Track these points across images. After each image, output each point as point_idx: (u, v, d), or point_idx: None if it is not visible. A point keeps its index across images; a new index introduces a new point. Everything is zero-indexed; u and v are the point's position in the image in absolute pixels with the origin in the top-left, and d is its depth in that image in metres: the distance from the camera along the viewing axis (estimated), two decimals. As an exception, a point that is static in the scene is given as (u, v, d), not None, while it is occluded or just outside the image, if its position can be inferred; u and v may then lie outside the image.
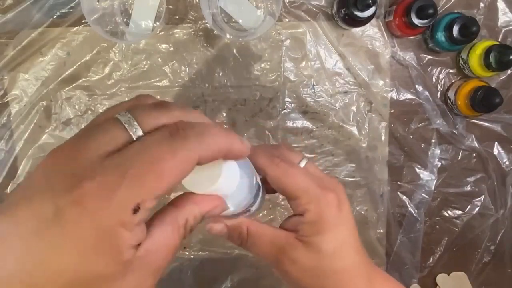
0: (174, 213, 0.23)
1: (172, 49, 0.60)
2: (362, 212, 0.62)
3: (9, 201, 0.19)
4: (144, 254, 0.20)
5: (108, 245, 0.19)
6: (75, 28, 0.59)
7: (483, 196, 0.62)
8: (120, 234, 0.19)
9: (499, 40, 0.58)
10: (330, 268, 0.31)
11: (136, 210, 0.19)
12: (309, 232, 0.31)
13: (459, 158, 0.61)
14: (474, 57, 0.55)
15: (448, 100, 0.59)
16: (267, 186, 0.33)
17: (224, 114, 0.61)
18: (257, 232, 0.32)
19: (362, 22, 0.54)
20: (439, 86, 0.60)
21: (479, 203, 0.62)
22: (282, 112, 0.61)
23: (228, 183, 0.25)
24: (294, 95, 0.60)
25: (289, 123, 0.61)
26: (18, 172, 0.62)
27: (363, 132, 0.61)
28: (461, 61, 0.58)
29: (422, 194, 0.61)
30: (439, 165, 0.61)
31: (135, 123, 0.20)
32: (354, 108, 0.61)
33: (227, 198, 0.26)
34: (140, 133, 0.20)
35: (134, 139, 0.20)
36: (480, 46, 0.55)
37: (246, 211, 0.30)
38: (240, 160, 0.25)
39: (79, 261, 0.18)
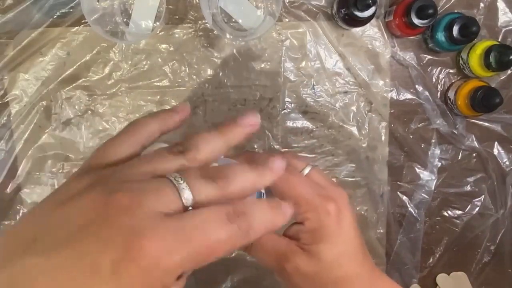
0: None
1: (172, 49, 0.60)
2: (362, 212, 0.62)
3: (52, 238, 0.18)
4: None
5: None
6: (75, 28, 0.59)
7: (483, 196, 0.62)
8: None
9: (499, 40, 0.58)
10: (329, 277, 0.31)
11: (179, 278, 0.20)
12: (309, 241, 0.31)
13: (459, 158, 0.61)
14: (474, 57, 0.55)
15: (448, 100, 0.59)
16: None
17: (224, 114, 0.61)
18: (262, 238, 0.32)
19: (362, 22, 0.54)
20: (439, 86, 0.60)
21: (479, 203, 0.62)
22: (282, 112, 0.61)
23: None
24: (294, 95, 0.60)
25: (289, 123, 0.61)
26: (18, 172, 0.62)
27: (363, 132, 0.61)
28: (461, 61, 0.58)
29: (422, 194, 0.61)
30: (439, 165, 0.61)
31: (189, 192, 0.21)
32: (354, 108, 0.61)
33: None
34: (190, 201, 0.21)
35: (187, 207, 0.21)
36: (480, 46, 0.55)
37: None
38: None
39: None
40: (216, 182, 0.22)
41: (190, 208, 0.20)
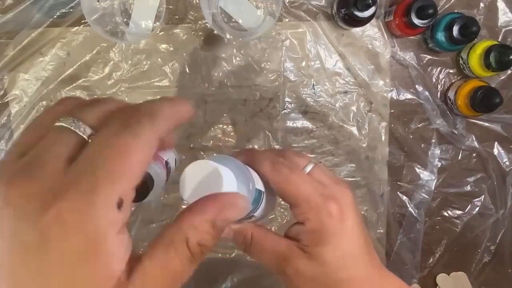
0: (169, 231, 0.21)
1: (172, 49, 0.60)
2: (362, 212, 0.62)
3: None
4: (138, 283, 0.19)
5: (97, 257, 0.18)
6: (75, 28, 0.59)
7: (483, 196, 0.62)
8: (110, 239, 0.18)
9: (499, 40, 0.58)
10: (332, 279, 0.30)
11: (120, 205, 0.18)
12: (310, 242, 0.30)
13: (459, 158, 0.61)
14: (474, 57, 0.55)
15: (448, 100, 0.59)
16: None
17: (224, 114, 0.61)
18: (261, 239, 0.31)
19: (362, 22, 0.54)
20: (439, 86, 0.60)
21: (479, 203, 0.62)
22: (282, 112, 0.61)
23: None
24: (294, 95, 0.60)
25: (289, 123, 0.61)
26: (18, 172, 0.62)
27: (363, 132, 0.61)
28: (461, 61, 0.58)
29: (422, 194, 0.61)
30: (439, 165, 0.61)
31: (81, 123, 0.20)
32: (354, 108, 0.61)
33: None
34: (89, 131, 0.20)
35: (87, 138, 0.20)
36: (480, 46, 0.55)
37: (248, 217, 0.30)
38: (234, 169, 0.25)
39: (66, 285, 0.17)
40: (99, 103, 0.21)
41: (87, 135, 0.20)
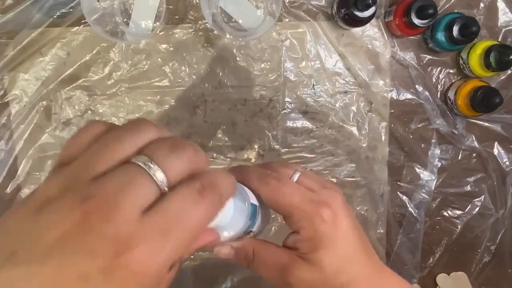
0: None
1: (172, 49, 0.60)
2: (362, 212, 0.62)
3: (31, 250, 0.17)
4: None
5: None
6: (75, 28, 0.59)
7: (483, 196, 0.62)
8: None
9: (499, 40, 0.58)
10: (332, 284, 0.30)
11: (171, 267, 0.20)
12: (307, 249, 0.30)
13: (459, 158, 0.61)
14: (474, 57, 0.55)
15: (448, 100, 0.59)
16: None
17: (224, 114, 0.61)
18: (262, 253, 0.32)
19: (362, 22, 0.54)
20: (439, 86, 0.60)
21: (479, 203, 0.62)
22: (282, 112, 0.61)
23: (223, 216, 0.25)
24: (294, 95, 0.60)
25: (289, 123, 0.61)
26: (18, 172, 0.62)
27: (363, 132, 0.61)
28: (461, 61, 0.58)
29: (422, 194, 0.61)
30: (439, 165, 0.61)
31: (162, 174, 0.20)
32: (354, 108, 0.61)
33: (224, 228, 0.27)
34: (166, 186, 0.20)
35: (165, 191, 0.20)
36: (480, 46, 0.55)
37: (247, 233, 0.31)
38: None
39: None
40: (181, 154, 0.21)
41: (166, 189, 0.20)
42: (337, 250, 0.30)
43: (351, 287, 0.30)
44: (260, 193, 0.31)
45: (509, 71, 0.60)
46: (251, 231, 0.31)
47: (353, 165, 0.62)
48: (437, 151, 0.61)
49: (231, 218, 0.26)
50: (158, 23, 0.58)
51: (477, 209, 0.62)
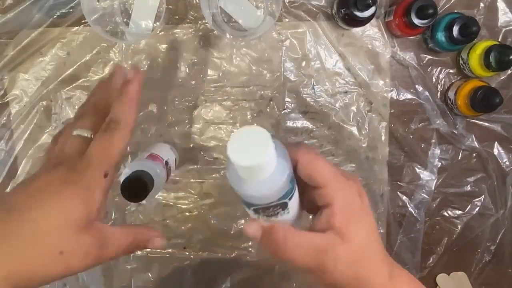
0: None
1: (172, 49, 0.60)
2: (362, 212, 0.62)
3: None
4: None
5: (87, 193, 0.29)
6: (75, 28, 0.59)
7: (483, 196, 0.62)
8: (98, 190, 0.30)
9: (499, 40, 0.58)
10: (363, 257, 0.32)
11: (106, 175, 0.30)
12: (342, 222, 0.31)
13: (459, 158, 0.61)
14: (474, 57, 0.55)
15: (448, 100, 0.59)
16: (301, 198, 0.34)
17: (224, 114, 0.61)
18: (296, 236, 0.31)
19: (362, 22, 0.54)
20: (439, 86, 0.60)
21: (479, 203, 0.62)
22: (282, 112, 0.61)
23: (270, 160, 0.26)
24: (294, 95, 0.60)
25: (289, 123, 0.61)
26: (18, 172, 0.62)
27: (363, 132, 0.61)
28: (461, 61, 0.58)
29: (422, 194, 0.61)
30: (439, 165, 0.61)
31: (85, 130, 0.33)
32: (354, 108, 0.61)
33: (265, 181, 0.27)
34: (90, 133, 0.33)
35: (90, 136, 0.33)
36: (480, 46, 0.55)
37: (283, 206, 0.31)
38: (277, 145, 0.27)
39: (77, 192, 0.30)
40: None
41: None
42: (366, 223, 0.32)
43: (375, 259, 0.32)
44: (299, 159, 0.32)
45: (509, 71, 0.60)
46: (287, 206, 0.31)
47: (353, 165, 0.62)
48: (437, 151, 0.61)
49: (275, 168, 0.27)
50: (158, 23, 0.58)
51: (477, 209, 0.62)
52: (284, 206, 0.31)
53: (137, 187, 0.45)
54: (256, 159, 0.25)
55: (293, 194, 0.31)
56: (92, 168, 0.30)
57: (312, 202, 0.34)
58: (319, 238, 0.31)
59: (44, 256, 0.27)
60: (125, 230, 0.32)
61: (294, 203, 0.32)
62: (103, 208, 0.31)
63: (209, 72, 0.60)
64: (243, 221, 0.62)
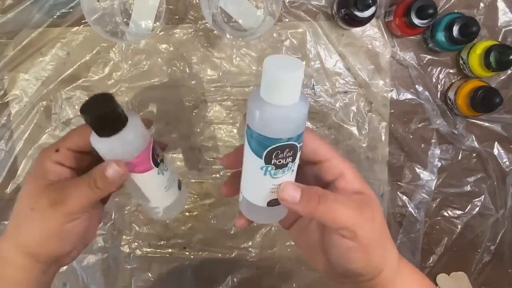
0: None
1: (172, 49, 0.60)
2: (362, 212, 0.62)
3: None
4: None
5: (39, 168, 0.38)
6: (75, 28, 0.59)
7: (483, 196, 0.62)
8: (46, 160, 0.38)
9: (499, 40, 0.58)
10: (384, 227, 0.34)
11: (57, 150, 0.37)
12: (363, 184, 0.34)
13: (459, 158, 0.61)
14: (474, 57, 0.55)
15: (448, 100, 0.59)
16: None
17: (224, 114, 0.61)
18: (335, 196, 0.32)
19: (362, 22, 0.54)
20: (439, 86, 0.60)
21: (479, 203, 0.62)
22: (282, 112, 0.60)
23: (300, 82, 0.29)
24: (294, 95, 0.60)
25: (289, 123, 0.61)
26: (18, 172, 0.62)
27: (363, 132, 0.61)
28: (461, 61, 0.58)
29: (422, 194, 0.61)
30: (439, 165, 0.61)
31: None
32: (354, 108, 0.61)
33: (293, 106, 0.29)
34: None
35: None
36: (480, 46, 0.55)
37: (294, 152, 0.31)
38: None
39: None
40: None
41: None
42: (375, 195, 0.34)
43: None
44: (304, 134, 0.32)
45: (509, 71, 0.60)
46: (296, 155, 0.31)
47: (353, 165, 0.61)
48: (437, 151, 0.61)
49: (300, 94, 0.29)
50: (158, 23, 0.58)
51: (477, 209, 0.62)
52: (295, 154, 0.31)
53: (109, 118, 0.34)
54: (295, 71, 0.27)
55: (299, 151, 0.32)
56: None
57: (313, 181, 0.35)
58: (355, 197, 0.33)
59: (26, 217, 0.36)
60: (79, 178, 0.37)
61: (297, 163, 0.32)
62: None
63: (209, 72, 0.60)
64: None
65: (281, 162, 0.31)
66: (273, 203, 0.33)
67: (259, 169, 0.31)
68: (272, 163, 0.31)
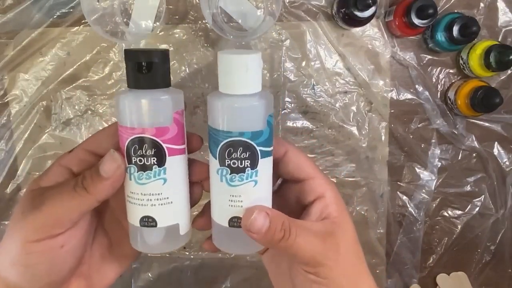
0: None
1: (172, 49, 0.60)
2: (362, 212, 0.62)
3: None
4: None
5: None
6: (75, 28, 0.59)
7: (483, 196, 0.62)
8: (55, 162, 0.31)
9: (499, 40, 0.58)
10: (358, 250, 0.32)
11: (71, 151, 0.32)
12: (338, 211, 0.31)
13: (459, 158, 0.61)
14: (474, 57, 0.55)
15: (448, 100, 0.59)
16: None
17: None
18: (299, 224, 0.30)
19: (362, 22, 0.54)
20: (439, 86, 0.60)
21: (479, 203, 0.62)
22: (282, 112, 0.61)
23: (258, 69, 0.30)
24: (294, 95, 0.60)
25: (289, 123, 0.61)
26: (18, 172, 0.62)
27: (363, 132, 0.61)
28: (461, 61, 0.58)
29: (422, 194, 0.61)
30: (439, 165, 0.61)
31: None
32: (354, 108, 0.61)
33: (250, 97, 0.29)
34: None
35: None
36: (480, 46, 0.55)
37: (252, 154, 0.29)
38: None
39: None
40: None
41: None
42: (351, 220, 0.33)
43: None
44: (289, 149, 0.32)
45: (509, 71, 0.60)
46: (256, 162, 0.29)
47: (353, 165, 0.62)
48: (437, 151, 0.61)
49: (259, 84, 0.29)
50: (158, 23, 0.58)
51: (477, 209, 0.62)
52: (253, 159, 0.29)
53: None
54: (250, 56, 0.27)
55: (260, 157, 0.29)
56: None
57: (294, 202, 0.33)
58: (321, 225, 0.31)
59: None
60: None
61: (264, 178, 0.30)
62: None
63: (209, 72, 0.60)
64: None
65: (236, 164, 0.29)
66: (235, 223, 0.30)
67: (216, 173, 0.30)
68: (226, 164, 0.29)
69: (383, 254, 0.63)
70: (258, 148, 0.29)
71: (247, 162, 0.29)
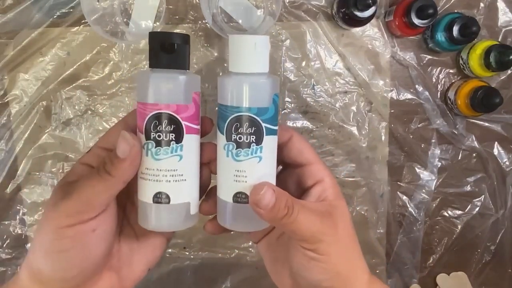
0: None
1: (172, 49, 0.59)
2: (362, 212, 0.62)
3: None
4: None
5: None
6: (75, 28, 0.59)
7: (483, 196, 0.62)
8: (76, 163, 0.33)
9: (499, 40, 0.58)
10: (353, 236, 0.33)
11: (88, 151, 0.33)
12: (335, 195, 0.33)
13: (459, 158, 0.61)
14: (474, 57, 0.55)
15: (448, 100, 0.59)
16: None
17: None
18: (301, 203, 0.31)
19: (362, 22, 0.54)
20: (439, 86, 0.60)
21: (479, 203, 0.62)
22: (282, 112, 0.61)
23: (266, 51, 0.31)
24: (294, 95, 0.60)
25: (289, 123, 0.61)
26: (18, 172, 0.62)
27: (363, 132, 0.61)
28: (461, 61, 0.58)
29: (422, 194, 0.61)
30: (439, 165, 0.61)
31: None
32: (354, 108, 0.61)
33: (258, 75, 0.31)
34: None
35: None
36: (480, 46, 0.55)
37: (258, 130, 0.31)
38: None
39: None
40: None
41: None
42: (346, 207, 0.34)
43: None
44: (294, 135, 0.33)
45: (509, 71, 0.60)
46: (262, 138, 0.30)
47: (353, 165, 0.62)
48: (437, 151, 0.61)
49: (267, 65, 0.31)
50: (158, 23, 0.58)
51: (477, 209, 0.62)
52: (258, 135, 0.30)
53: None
54: (259, 36, 0.29)
55: (265, 135, 0.30)
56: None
57: (294, 187, 0.35)
58: (320, 205, 0.32)
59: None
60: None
61: (268, 155, 0.31)
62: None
63: (209, 72, 0.60)
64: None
65: (242, 139, 0.30)
66: (239, 199, 0.31)
67: (223, 149, 0.31)
68: (233, 139, 0.30)
69: (383, 254, 0.63)
70: (263, 125, 0.30)
71: (253, 137, 0.30)
